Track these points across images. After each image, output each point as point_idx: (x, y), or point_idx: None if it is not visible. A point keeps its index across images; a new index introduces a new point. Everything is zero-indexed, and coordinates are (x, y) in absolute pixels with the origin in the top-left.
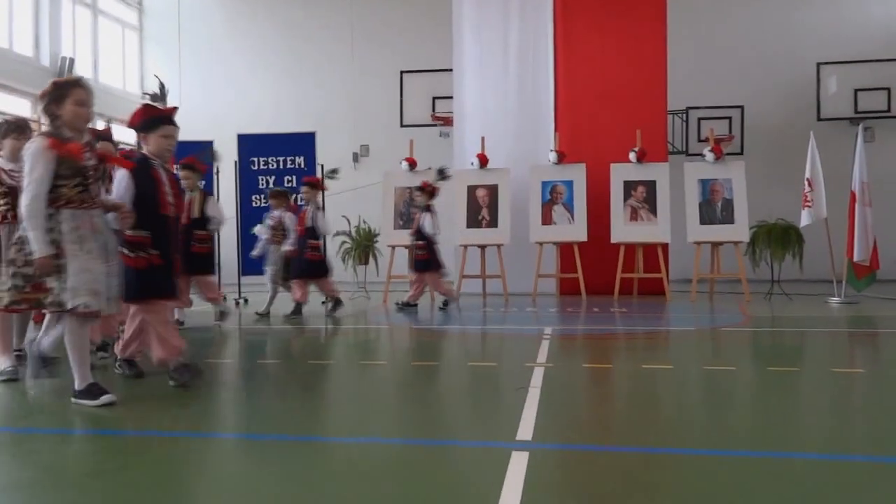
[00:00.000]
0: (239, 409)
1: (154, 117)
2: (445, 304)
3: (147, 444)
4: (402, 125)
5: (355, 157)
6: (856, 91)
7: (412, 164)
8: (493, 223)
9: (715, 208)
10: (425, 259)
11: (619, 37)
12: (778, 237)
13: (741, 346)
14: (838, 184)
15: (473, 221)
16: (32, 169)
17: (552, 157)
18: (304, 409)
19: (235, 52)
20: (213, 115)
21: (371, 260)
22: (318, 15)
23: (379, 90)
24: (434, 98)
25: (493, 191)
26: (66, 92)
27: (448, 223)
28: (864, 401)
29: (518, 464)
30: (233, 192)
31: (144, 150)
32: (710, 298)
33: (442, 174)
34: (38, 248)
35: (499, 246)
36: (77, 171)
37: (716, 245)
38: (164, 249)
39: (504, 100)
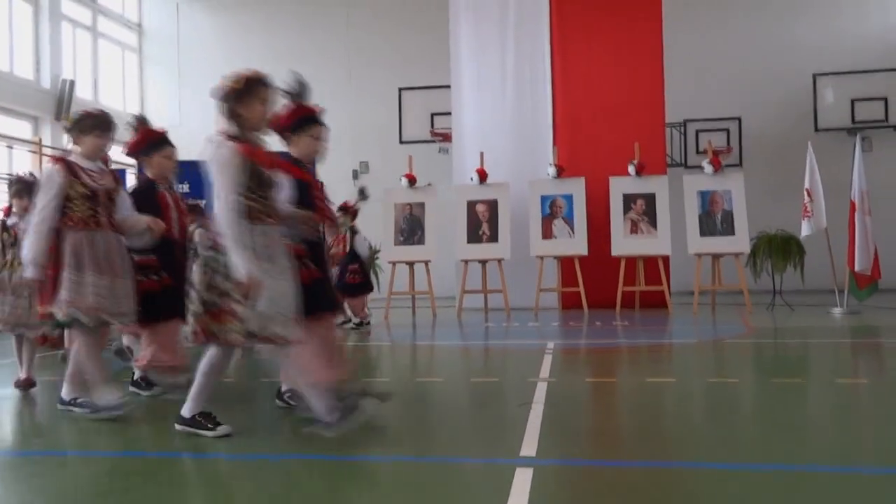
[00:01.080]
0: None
1: (305, 117)
2: (360, 324)
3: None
4: (401, 141)
5: (355, 174)
6: (853, 101)
7: (412, 181)
8: (493, 238)
9: (715, 220)
10: (359, 283)
11: (615, 51)
12: (778, 248)
13: (744, 357)
14: (837, 194)
15: (474, 236)
16: (223, 177)
17: (551, 171)
18: (302, 426)
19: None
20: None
21: (371, 276)
22: (317, 29)
23: (378, 107)
24: (433, 114)
25: (492, 206)
26: (254, 90)
27: (449, 238)
28: (871, 412)
29: (522, 480)
30: None
31: (292, 153)
32: (713, 310)
33: (363, 195)
34: (244, 267)
35: (499, 260)
36: (265, 182)
37: (716, 257)
38: (318, 261)
39: (502, 115)
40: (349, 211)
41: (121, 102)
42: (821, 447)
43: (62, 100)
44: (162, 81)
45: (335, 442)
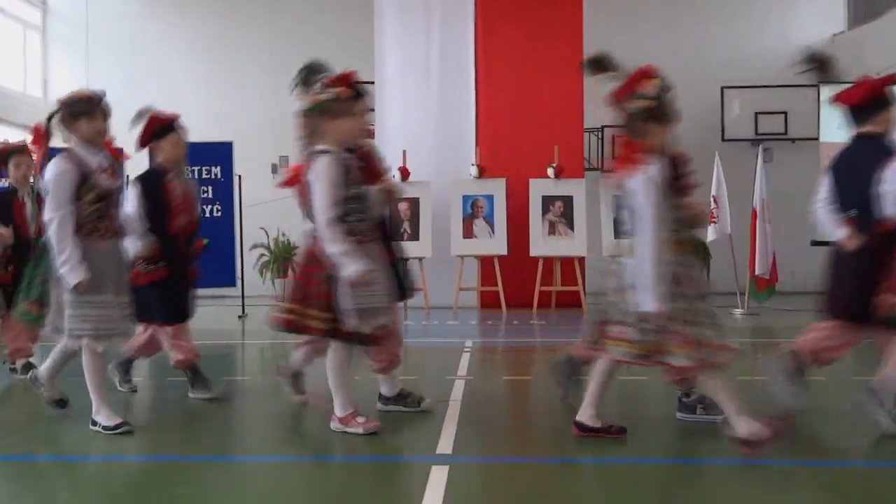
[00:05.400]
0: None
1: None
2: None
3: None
4: None
5: (274, 168)
6: (756, 114)
7: None
8: (414, 236)
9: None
10: None
11: (538, 58)
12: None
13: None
14: (741, 201)
15: (395, 234)
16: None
17: (473, 171)
18: (219, 427)
19: (148, 57)
20: (123, 123)
21: (290, 273)
22: (239, 18)
23: (299, 101)
24: None
25: (414, 204)
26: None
27: None
28: (765, 408)
29: (438, 478)
30: None
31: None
32: None
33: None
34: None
35: (420, 259)
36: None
37: None
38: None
39: (425, 114)
40: None
41: (21, 84)
42: (716, 442)
43: None
44: (68, 64)
45: (243, 442)
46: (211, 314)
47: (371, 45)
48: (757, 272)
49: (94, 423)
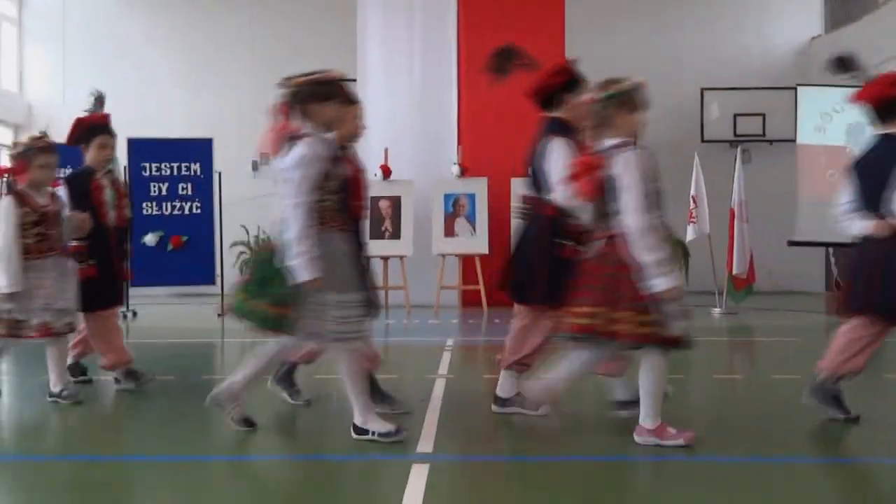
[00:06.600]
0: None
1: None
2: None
3: None
4: None
5: (255, 166)
6: (735, 116)
7: None
8: (395, 235)
9: None
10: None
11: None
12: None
13: (632, 355)
14: (720, 201)
15: (376, 233)
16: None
17: (455, 170)
18: (202, 428)
19: (126, 51)
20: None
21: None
22: (219, 19)
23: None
24: None
25: (395, 202)
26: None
27: None
28: (743, 405)
29: (418, 476)
30: None
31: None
32: None
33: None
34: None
35: (401, 257)
36: None
37: None
38: None
39: (408, 112)
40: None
41: None
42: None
43: None
44: (44, 58)
45: (225, 441)
46: (190, 312)
47: (354, 42)
48: (734, 272)
49: (363, 432)
